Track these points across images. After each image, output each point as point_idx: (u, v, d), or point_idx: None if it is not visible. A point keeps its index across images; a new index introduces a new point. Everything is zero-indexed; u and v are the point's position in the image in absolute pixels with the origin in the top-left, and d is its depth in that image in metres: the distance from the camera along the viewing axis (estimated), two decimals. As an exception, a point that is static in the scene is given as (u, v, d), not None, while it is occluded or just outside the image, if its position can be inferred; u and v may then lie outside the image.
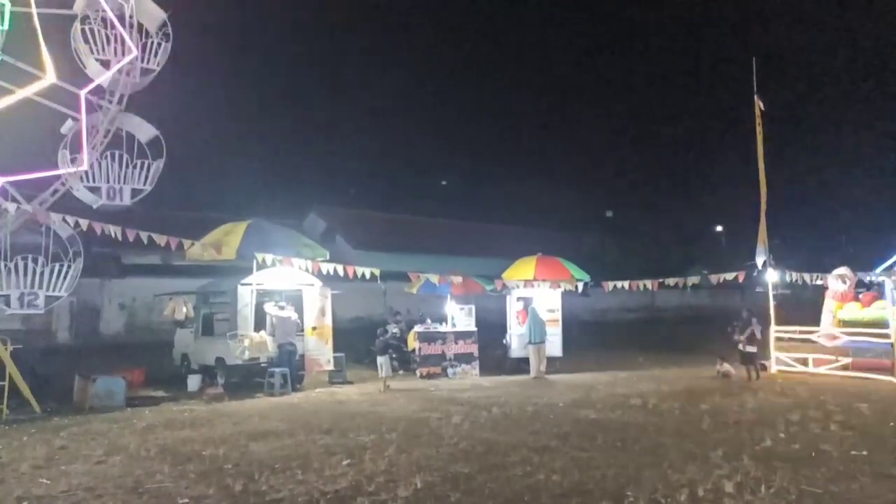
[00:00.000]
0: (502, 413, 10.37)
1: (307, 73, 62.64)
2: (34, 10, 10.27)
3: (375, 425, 9.42)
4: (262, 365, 13.29)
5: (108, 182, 11.53)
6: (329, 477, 6.73)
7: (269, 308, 13.60)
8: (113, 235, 11.58)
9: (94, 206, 11.51)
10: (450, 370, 15.35)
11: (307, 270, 13.89)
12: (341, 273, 13.71)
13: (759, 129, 16.49)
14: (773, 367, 15.16)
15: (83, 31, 11.34)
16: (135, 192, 11.80)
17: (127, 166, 11.66)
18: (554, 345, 16.01)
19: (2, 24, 10.44)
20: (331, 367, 14.48)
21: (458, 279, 14.41)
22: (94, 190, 11.50)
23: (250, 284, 13.44)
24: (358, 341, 17.54)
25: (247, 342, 13.10)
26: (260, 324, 13.67)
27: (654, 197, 53.99)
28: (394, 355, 16.79)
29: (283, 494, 6.19)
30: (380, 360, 13.43)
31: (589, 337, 22.06)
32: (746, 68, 16.87)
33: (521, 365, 15.75)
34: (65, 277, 11.03)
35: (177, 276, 22.46)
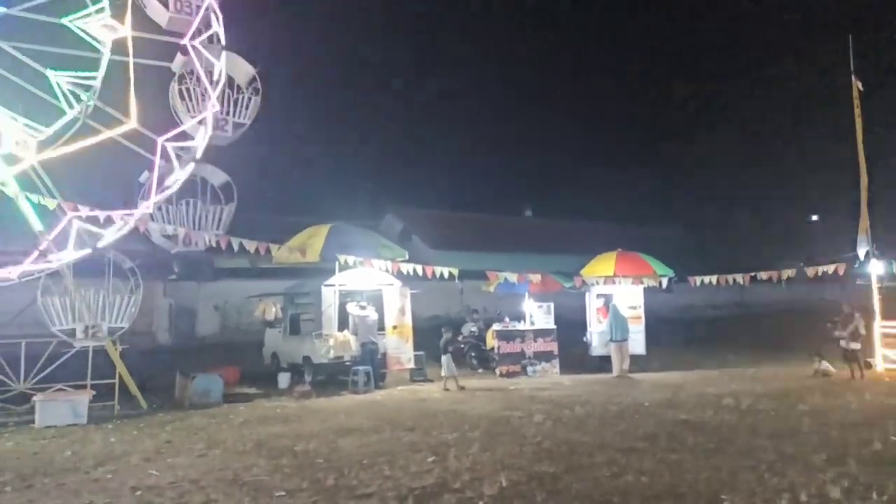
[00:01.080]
0: (585, 412, 10.20)
1: (379, 77, 63.90)
2: (131, 60, 11.07)
3: (457, 423, 9.50)
4: (347, 363, 13.70)
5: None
6: (415, 473, 6.86)
7: (352, 308, 14.01)
8: (207, 241, 12.27)
9: (172, 252, 12.04)
10: (529, 368, 15.26)
11: (387, 271, 14.20)
12: (420, 273, 13.91)
13: (857, 111, 15.38)
14: (880, 365, 14.09)
15: (180, 90, 11.98)
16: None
17: (201, 212, 12.18)
18: (637, 342, 15.59)
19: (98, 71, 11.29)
20: (411, 365, 14.75)
21: (536, 277, 14.29)
22: (170, 237, 12.07)
23: (333, 285, 13.89)
24: (436, 340, 17.70)
25: (331, 341, 13.55)
26: (343, 323, 14.10)
27: (744, 186, 51.13)
28: (472, 353, 16.95)
29: (373, 489, 6.36)
30: (443, 359, 13.48)
31: (674, 334, 21.28)
32: (843, 45, 15.72)
33: (603, 363, 15.43)
34: (126, 309, 11.53)
35: (264, 278, 23.48)
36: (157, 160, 11.37)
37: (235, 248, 12.45)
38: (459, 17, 65.19)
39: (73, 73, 11.48)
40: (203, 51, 11.76)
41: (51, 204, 11.43)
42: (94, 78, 11.39)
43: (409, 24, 64.29)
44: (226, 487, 6.58)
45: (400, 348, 14.56)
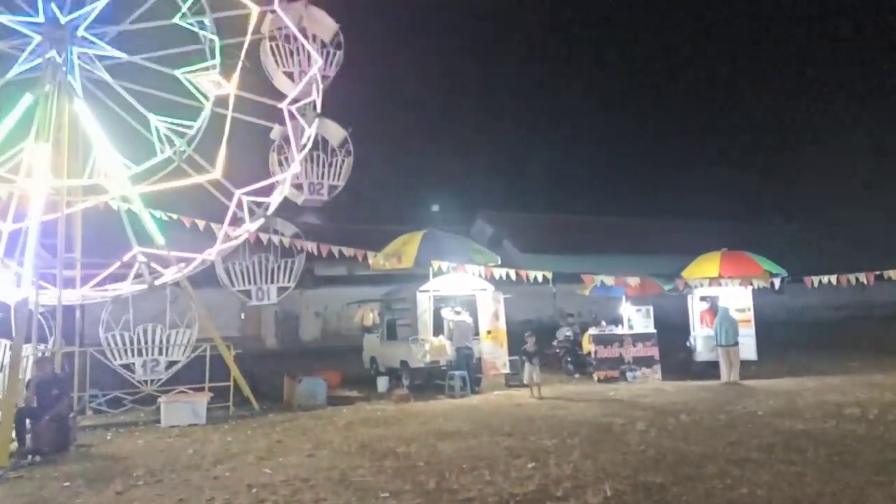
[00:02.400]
0: (692, 420, 9.74)
1: (466, 84, 64.42)
2: (229, 115, 11.90)
3: (556, 429, 9.36)
4: (443, 368, 13.87)
5: (257, 283, 12.61)
6: (516, 479, 6.82)
7: (446, 313, 14.19)
8: (310, 250, 12.87)
9: (248, 305, 12.57)
10: (629, 374, 14.78)
11: (480, 276, 14.26)
12: (513, 277, 13.86)
13: None
14: None
15: (279, 160, 12.67)
16: (280, 290, 12.79)
17: (273, 264, 12.67)
18: (747, 347, 14.68)
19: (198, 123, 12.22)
20: (506, 370, 14.69)
21: (634, 280, 13.81)
22: (244, 291, 12.64)
23: (428, 291, 14.12)
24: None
25: (427, 346, 13.77)
26: (439, 328, 14.29)
27: (865, 177, 46.84)
28: (568, 358, 16.65)
29: (474, 494, 6.39)
30: (525, 367, 13.21)
31: (787, 338, 19.94)
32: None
33: (709, 369, 14.67)
34: (184, 345, 12.00)
35: (361, 285, 24.34)
36: (232, 209, 12.04)
37: (336, 255, 12.98)
38: (551, 15, 64.56)
39: (173, 120, 12.42)
40: (298, 117, 12.36)
41: (173, 216, 12.46)
42: (191, 127, 12.27)
43: (496, 27, 64.48)
44: (334, 487, 6.84)
45: (495, 353, 14.56)
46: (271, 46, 12.57)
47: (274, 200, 12.31)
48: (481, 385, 14.24)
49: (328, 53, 12.91)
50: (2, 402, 9.30)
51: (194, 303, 12.16)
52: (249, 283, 12.48)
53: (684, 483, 6.43)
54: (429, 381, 14.34)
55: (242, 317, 26.67)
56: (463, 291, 14.75)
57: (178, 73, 12.14)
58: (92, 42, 11.69)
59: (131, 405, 11.92)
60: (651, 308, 15.69)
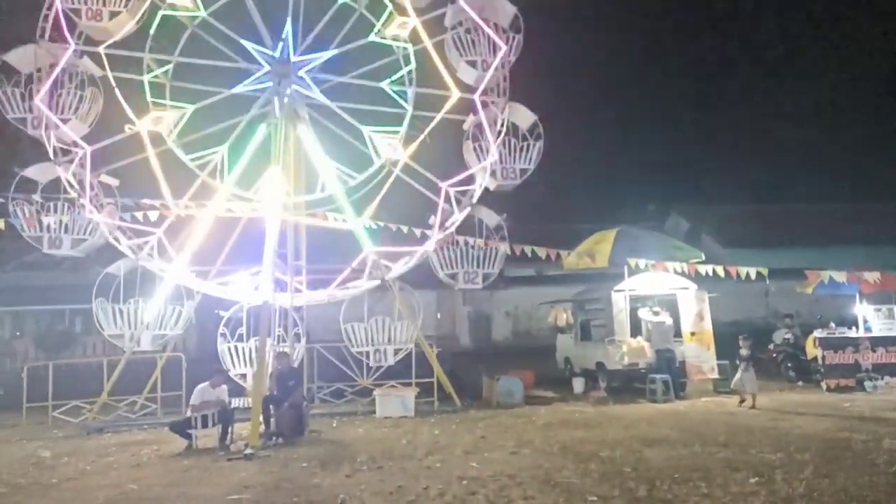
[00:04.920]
0: (960, 441, 8.18)
1: (654, 68, 60.90)
2: (394, 173, 12.62)
3: (780, 443, 8.47)
4: (642, 370, 13.28)
5: (375, 345, 12.65)
6: (737, 494, 6.30)
7: (644, 314, 13.56)
8: (503, 251, 13.13)
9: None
10: (868, 383, 12.87)
11: (682, 273, 13.41)
12: (721, 274, 12.82)
13: None
14: None
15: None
16: (397, 352, 12.80)
17: (391, 325, 12.84)
18: None
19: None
20: (715, 374, 13.63)
21: (874, 276, 11.95)
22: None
23: (623, 290, 13.63)
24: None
25: (625, 348, 13.28)
26: (636, 329, 13.71)
27: None
28: (788, 364, 14.95)
29: (690, 506, 6.03)
30: (738, 373, 11.98)
31: None
32: None
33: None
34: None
35: (549, 285, 24.27)
36: (357, 261, 12.63)
37: (529, 254, 13.10)
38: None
39: (344, 169, 13.47)
40: (453, 200, 12.75)
41: (380, 222, 13.56)
42: (354, 177, 13.21)
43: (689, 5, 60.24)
44: (540, 486, 6.89)
45: (700, 356, 13.59)
46: (474, 147, 12.97)
47: (395, 270, 12.76)
48: (686, 390, 13.39)
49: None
50: (252, 392, 10.87)
51: (400, 304, 13.08)
52: (369, 344, 12.81)
53: (958, 515, 5.43)
54: (627, 384, 13.82)
55: (438, 316, 28.09)
56: (661, 290, 14.00)
57: (365, 129, 13.22)
58: (308, 84, 13.17)
59: (351, 396, 13.18)
60: (895, 308, 13.48)
